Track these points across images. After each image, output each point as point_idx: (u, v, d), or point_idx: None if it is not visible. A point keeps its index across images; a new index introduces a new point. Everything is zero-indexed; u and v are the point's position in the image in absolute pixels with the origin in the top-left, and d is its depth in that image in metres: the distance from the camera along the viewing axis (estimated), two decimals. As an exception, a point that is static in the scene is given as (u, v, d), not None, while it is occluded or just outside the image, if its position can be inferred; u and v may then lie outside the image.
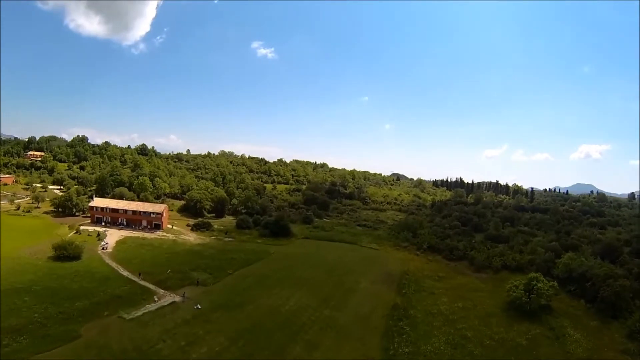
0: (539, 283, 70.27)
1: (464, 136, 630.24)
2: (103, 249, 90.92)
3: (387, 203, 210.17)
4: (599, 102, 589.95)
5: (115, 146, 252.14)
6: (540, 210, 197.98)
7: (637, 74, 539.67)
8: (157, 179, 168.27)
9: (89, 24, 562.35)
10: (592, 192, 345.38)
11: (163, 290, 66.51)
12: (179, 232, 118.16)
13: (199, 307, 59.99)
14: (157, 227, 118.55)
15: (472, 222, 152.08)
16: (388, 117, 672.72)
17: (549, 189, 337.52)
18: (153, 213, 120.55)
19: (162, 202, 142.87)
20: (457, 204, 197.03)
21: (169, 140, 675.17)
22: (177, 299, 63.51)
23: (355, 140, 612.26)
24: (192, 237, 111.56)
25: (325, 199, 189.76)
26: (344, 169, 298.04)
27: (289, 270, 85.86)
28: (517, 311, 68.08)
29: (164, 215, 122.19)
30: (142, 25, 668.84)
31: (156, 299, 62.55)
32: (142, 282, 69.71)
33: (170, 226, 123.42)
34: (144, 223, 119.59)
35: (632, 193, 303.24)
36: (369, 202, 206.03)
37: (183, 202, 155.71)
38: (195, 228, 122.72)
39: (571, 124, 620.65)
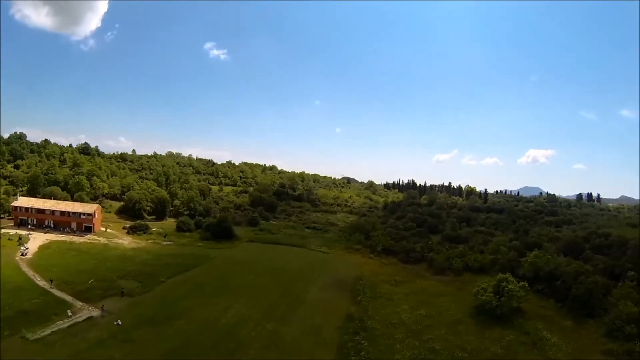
0: (509, 284, 64.91)
1: (415, 141, 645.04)
2: (22, 254, 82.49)
3: (338, 205, 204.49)
4: (545, 110, 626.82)
5: (56, 144, 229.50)
6: (495, 211, 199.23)
7: (578, 84, 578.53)
8: (95, 178, 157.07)
9: (36, 15, 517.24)
10: (540, 193, 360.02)
11: (81, 303, 58.95)
12: (112, 235, 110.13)
13: (120, 322, 52.74)
14: (89, 229, 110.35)
15: (427, 223, 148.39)
16: (339, 120, 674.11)
17: (499, 191, 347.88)
18: (83, 214, 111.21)
19: (99, 203, 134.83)
20: (410, 205, 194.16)
21: (119, 143, 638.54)
22: (96, 313, 56.15)
23: (306, 143, 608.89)
24: (126, 241, 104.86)
25: (273, 200, 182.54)
26: (294, 172, 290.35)
27: (229, 277, 78.20)
28: (486, 316, 62.44)
29: (96, 216, 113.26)
30: (92, 20, 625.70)
31: (70, 313, 54.70)
32: (59, 294, 62.01)
33: (103, 229, 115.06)
34: (74, 225, 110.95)
35: (580, 194, 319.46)
36: (318, 205, 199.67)
37: (122, 203, 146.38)
38: (132, 231, 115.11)
39: (519, 130, 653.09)
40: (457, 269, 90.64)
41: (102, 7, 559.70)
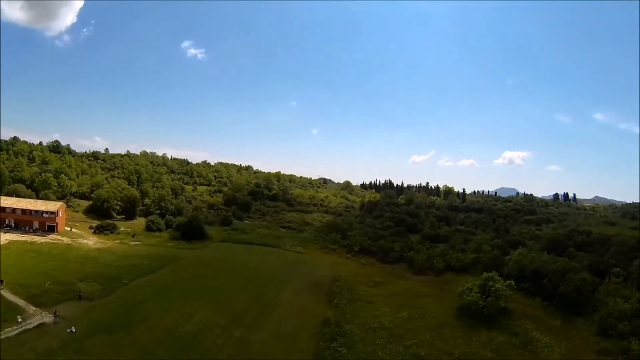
0: (495, 283, 61.98)
1: (392, 142, 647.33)
2: None
3: (314, 205, 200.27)
4: (521, 112, 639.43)
5: (25, 142, 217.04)
6: (474, 210, 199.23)
7: (553, 88, 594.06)
8: (63, 176, 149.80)
9: (10, 8, 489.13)
10: (517, 194, 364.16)
11: (34, 308, 54.37)
12: (77, 235, 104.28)
13: (74, 330, 48.09)
14: (52, 229, 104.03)
15: (405, 222, 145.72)
16: (315, 122, 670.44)
17: (476, 191, 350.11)
18: (46, 212, 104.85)
19: (66, 202, 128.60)
20: (388, 205, 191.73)
21: (94, 143, 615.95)
22: (48, 319, 51.52)
23: (283, 145, 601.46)
24: (91, 241, 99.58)
25: (247, 199, 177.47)
26: (270, 172, 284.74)
27: (197, 280, 73.25)
28: (472, 318, 59.45)
29: (60, 215, 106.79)
30: (68, 15, 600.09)
31: (20, 320, 49.90)
32: (11, 297, 57.42)
33: (68, 229, 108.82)
34: (36, 225, 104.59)
35: (557, 194, 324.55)
36: (294, 204, 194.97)
37: (90, 202, 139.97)
38: (98, 230, 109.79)
39: (495, 132, 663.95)
40: (438, 269, 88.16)
41: (79, 2, 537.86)
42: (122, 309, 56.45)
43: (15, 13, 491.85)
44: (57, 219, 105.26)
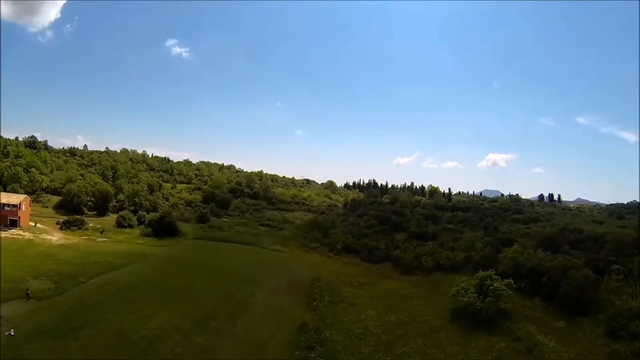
0: (494, 282, 55.81)
1: (377, 144, 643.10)
2: None
3: (296, 203, 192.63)
4: (506, 116, 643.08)
5: (1, 137, 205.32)
6: (461, 209, 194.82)
7: (538, 91, 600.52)
8: (34, 170, 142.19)
9: None
10: (502, 195, 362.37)
11: None
12: (42, 230, 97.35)
13: (12, 333, 42.21)
14: (14, 223, 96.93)
15: (390, 220, 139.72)
16: (300, 123, 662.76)
17: (461, 192, 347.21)
18: (7, 205, 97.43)
19: (36, 197, 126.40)
20: (372, 203, 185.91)
21: (75, 142, 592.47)
22: None
23: (267, 145, 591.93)
24: (55, 237, 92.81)
25: (227, 197, 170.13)
26: (252, 171, 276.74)
27: (162, 278, 66.18)
28: (468, 321, 52.98)
29: (23, 208, 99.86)
30: (51, 11, 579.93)
31: None
32: None
33: (33, 224, 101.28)
34: None
35: (542, 195, 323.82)
36: (275, 202, 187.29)
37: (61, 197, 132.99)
38: (65, 226, 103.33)
39: (480, 135, 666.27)
40: (427, 268, 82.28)
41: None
42: (73, 310, 49.51)
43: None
44: (19, 213, 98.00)
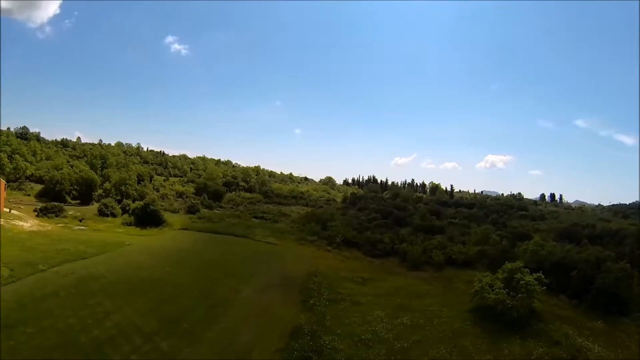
0: (525, 276, 46.37)
1: (374, 144, 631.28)
2: None
3: (293, 197, 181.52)
4: (504, 117, 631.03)
5: None
6: (465, 205, 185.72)
7: (537, 93, 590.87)
8: (17, 156, 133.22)
9: None
10: (502, 194, 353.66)
11: None
12: (16, 217, 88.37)
13: None
14: None
15: (393, 215, 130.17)
16: (298, 122, 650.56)
17: (461, 191, 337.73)
18: None
19: (19, 185, 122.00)
20: (373, 198, 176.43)
21: (73, 137, 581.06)
22: None
23: (265, 144, 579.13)
24: (28, 224, 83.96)
25: (220, 188, 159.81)
26: (248, 166, 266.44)
27: (134, 269, 56.29)
28: (494, 322, 43.56)
29: None
30: (50, 6, 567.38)
31: None
32: None
33: (7, 210, 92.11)
34: None
35: (543, 194, 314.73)
36: (271, 196, 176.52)
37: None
38: (42, 213, 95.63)
39: (478, 137, 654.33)
40: (437, 263, 72.96)
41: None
42: (21, 302, 39.96)
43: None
44: None
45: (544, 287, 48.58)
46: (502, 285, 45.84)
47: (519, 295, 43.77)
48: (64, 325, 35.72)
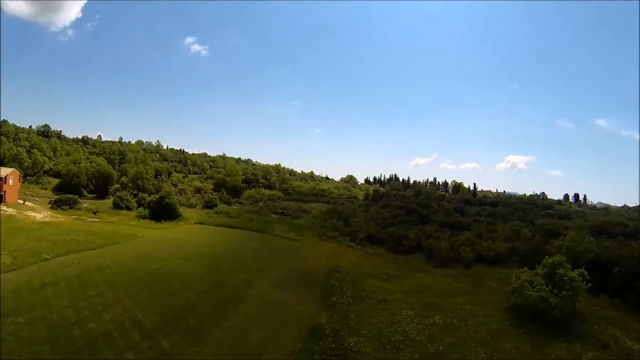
0: (569, 272, 41.69)
1: (395, 144, 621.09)
2: None
3: (314, 194, 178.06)
4: (525, 117, 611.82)
5: (15, 125, 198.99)
6: (488, 204, 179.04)
7: (557, 93, 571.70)
8: (35, 150, 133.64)
9: (12, 1, 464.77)
10: (525, 194, 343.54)
11: None
12: (30, 208, 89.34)
13: None
14: (0, 199, 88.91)
15: (416, 212, 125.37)
16: (318, 122, 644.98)
17: (483, 190, 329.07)
18: None
19: (37, 179, 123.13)
20: (395, 195, 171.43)
21: (95, 137, 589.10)
22: None
23: (285, 144, 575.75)
24: (41, 215, 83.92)
25: (239, 184, 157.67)
26: (268, 164, 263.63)
27: (143, 262, 53.85)
28: (535, 322, 39.21)
29: (10, 183, 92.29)
30: (72, 8, 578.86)
31: None
32: None
33: (21, 201, 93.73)
34: None
35: (567, 194, 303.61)
36: (292, 194, 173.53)
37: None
38: (56, 205, 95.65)
39: (498, 137, 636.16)
40: (465, 260, 68.71)
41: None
42: (17, 291, 38.45)
43: (19, 6, 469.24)
44: (6, 187, 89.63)
45: (589, 284, 43.69)
46: (543, 282, 41.27)
47: (564, 292, 39.11)
48: (58, 316, 33.15)
